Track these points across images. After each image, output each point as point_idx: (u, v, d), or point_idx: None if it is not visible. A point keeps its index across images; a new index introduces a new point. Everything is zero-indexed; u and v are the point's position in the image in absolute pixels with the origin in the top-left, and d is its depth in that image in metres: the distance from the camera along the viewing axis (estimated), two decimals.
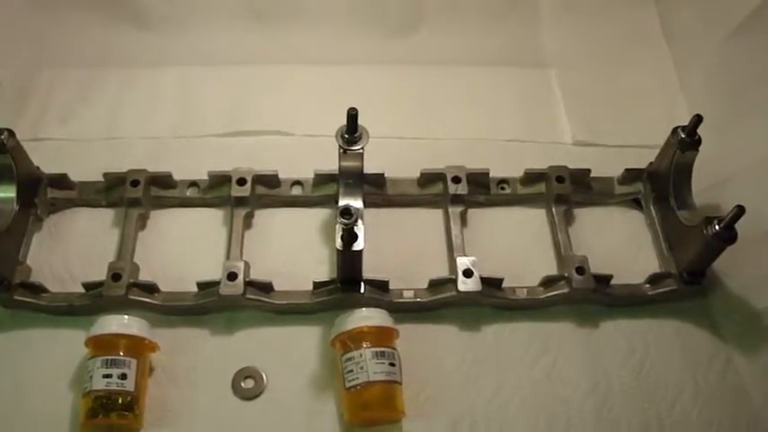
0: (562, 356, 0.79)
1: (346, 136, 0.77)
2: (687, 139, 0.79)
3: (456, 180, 0.85)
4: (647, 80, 1.01)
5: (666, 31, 1.04)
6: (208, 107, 0.98)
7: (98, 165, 0.90)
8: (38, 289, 0.80)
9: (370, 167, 0.84)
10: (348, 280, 0.78)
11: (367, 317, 0.75)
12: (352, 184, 0.81)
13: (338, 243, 0.71)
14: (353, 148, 0.77)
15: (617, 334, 0.81)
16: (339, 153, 0.79)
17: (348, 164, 0.80)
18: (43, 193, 0.86)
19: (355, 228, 0.70)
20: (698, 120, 0.77)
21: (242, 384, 0.77)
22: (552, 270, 0.84)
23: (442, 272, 0.83)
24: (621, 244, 0.87)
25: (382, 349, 0.73)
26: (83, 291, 0.80)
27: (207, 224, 0.87)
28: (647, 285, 0.81)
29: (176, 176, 0.88)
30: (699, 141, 0.79)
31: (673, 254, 0.82)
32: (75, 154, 0.93)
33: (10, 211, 0.80)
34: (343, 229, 0.70)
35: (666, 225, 0.84)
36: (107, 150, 0.94)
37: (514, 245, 0.86)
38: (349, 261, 0.74)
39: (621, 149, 0.94)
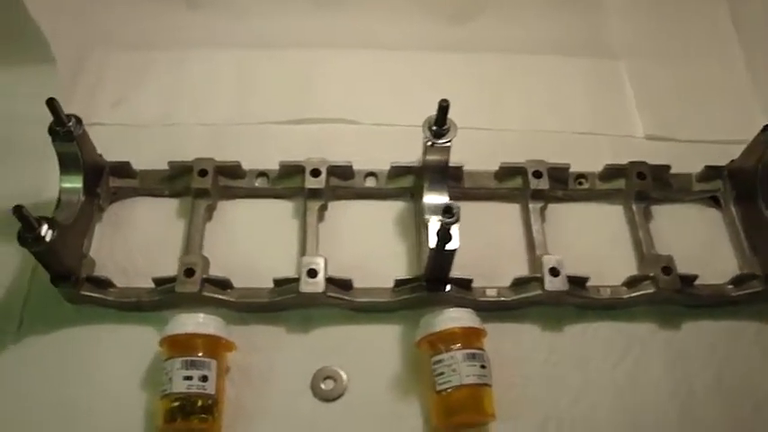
0: (644, 358, 0.78)
1: (434, 128, 0.74)
2: None
3: (537, 174, 0.83)
4: (716, 74, 0.99)
5: (737, 23, 1.02)
6: (268, 93, 0.94)
7: (154, 152, 0.86)
8: (105, 283, 0.76)
9: None
10: (434, 279, 0.75)
11: (457, 317, 0.72)
12: (437, 178, 0.78)
13: (432, 242, 0.69)
14: (441, 141, 0.75)
15: (698, 336, 0.79)
16: (425, 145, 0.76)
17: (434, 157, 0.77)
18: (105, 182, 0.82)
19: (452, 227, 0.67)
20: None
21: (321, 385, 0.74)
22: (632, 268, 0.82)
23: (521, 268, 0.81)
24: (699, 242, 0.85)
25: (473, 351, 0.71)
26: (149, 285, 0.76)
27: (277, 216, 0.84)
28: (731, 286, 0.80)
29: (239, 162, 0.84)
30: None
31: (757, 255, 0.81)
32: (130, 140, 0.89)
33: (76, 202, 0.76)
34: (442, 228, 0.67)
35: (750, 225, 0.83)
36: (163, 137, 0.90)
37: (593, 242, 0.84)
38: (441, 260, 0.72)
39: (693, 144, 0.92)
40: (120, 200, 0.84)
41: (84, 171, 0.76)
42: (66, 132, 0.73)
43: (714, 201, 0.87)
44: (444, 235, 0.68)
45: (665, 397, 0.76)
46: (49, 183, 0.84)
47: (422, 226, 0.78)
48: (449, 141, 0.75)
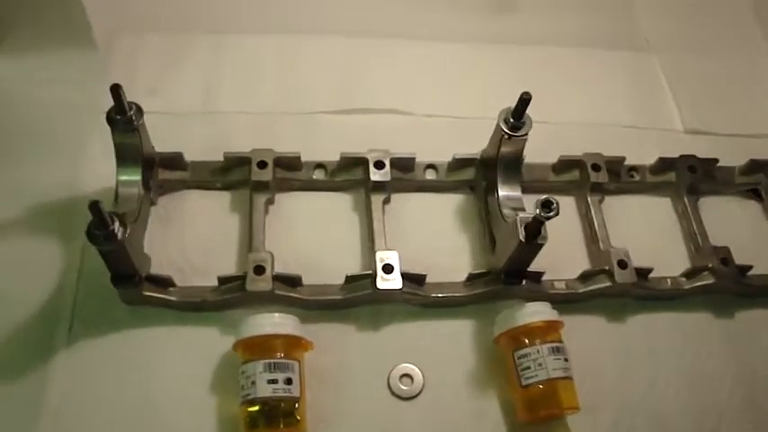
0: (704, 347, 0.79)
1: (512, 120, 0.73)
2: None
3: (596, 167, 0.83)
4: (746, 68, 1.02)
5: (759, 18, 1.05)
6: (314, 81, 0.90)
7: (195, 141, 0.82)
8: (166, 282, 0.71)
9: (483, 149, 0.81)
10: (513, 272, 0.74)
11: (539, 311, 0.72)
12: (511, 170, 0.77)
13: (521, 235, 0.68)
14: (518, 134, 0.74)
15: (752, 323, 0.82)
16: (501, 138, 0.75)
17: (509, 149, 0.76)
18: (155, 175, 0.77)
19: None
20: None
21: (399, 384, 0.72)
22: (683, 259, 0.84)
23: (582, 260, 0.82)
24: (744, 234, 0.87)
25: (558, 345, 0.71)
26: (206, 283, 0.73)
27: (336, 209, 0.81)
28: None
29: (299, 153, 0.80)
30: None
31: None
32: (169, 129, 0.81)
33: (136, 196, 0.71)
34: (535, 221, 0.66)
35: None
36: (205, 126, 0.85)
37: (645, 233, 0.85)
38: (527, 254, 0.71)
39: (731, 138, 0.94)
40: (167, 193, 0.79)
41: (144, 163, 0.71)
42: (127, 121, 0.69)
43: (755, 193, 0.90)
44: (536, 228, 0.67)
45: (730, 384, 0.77)
46: (83, 173, 0.80)
47: (496, 218, 0.77)
48: (525, 134, 0.74)
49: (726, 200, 0.90)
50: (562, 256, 0.81)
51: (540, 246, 0.69)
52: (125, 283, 0.69)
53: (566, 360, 0.70)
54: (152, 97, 0.85)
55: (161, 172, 0.78)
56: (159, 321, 0.72)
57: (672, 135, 0.94)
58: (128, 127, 0.69)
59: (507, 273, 0.74)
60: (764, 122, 0.90)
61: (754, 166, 0.89)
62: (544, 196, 0.65)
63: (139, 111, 0.70)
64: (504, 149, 0.76)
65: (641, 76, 1.00)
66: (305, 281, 0.74)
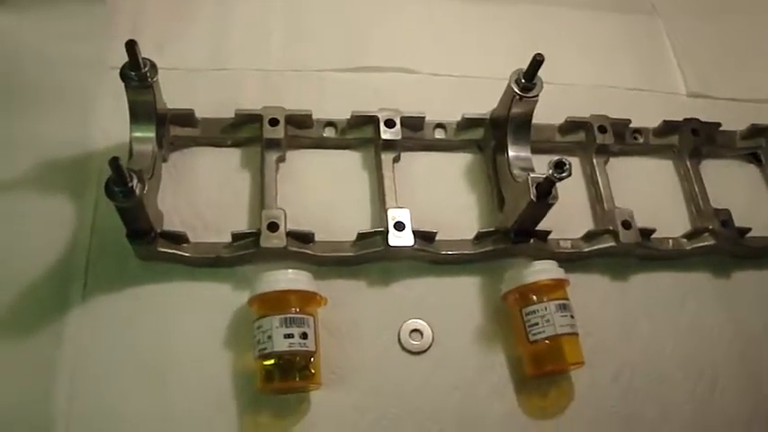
0: (703, 306, 0.82)
1: (523, 81, 0.74)
2: None
3: (602, 129, 0.84)
4: (753, 33, 1.03)
5: None
6: (322, 39, 0.90)
7: (206, 98, 0.82)
8: (180, 238, 0.72)
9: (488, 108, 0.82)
10: (521, 231, 0.76)
11: (547, 269, 0.73)
12: (521, 131, 0.78)
13: (533, 194, 0.69)
14: (529, 95, 0.74)
15: (748, 283, 0.84)
16: (513, 99, 0.75)
17: (520, 110, 0.77)
18: (167, 132, 0.76)
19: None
20: None
21: (409, 338, 0.74)
22: (683, 220, 0.86)
23: (586, 220, 0.84)
24: (743, 196, 0.89)
25: (564, 302, 0.72)
26: (219, 239, 0.73)
27: (347, 167, 0.82)
28: None
29: (311, 111, 0.80)
30: None
31: None
32: (177, 86, 0.80)
33: (150, 153, 0.71)
34: (548, 181, 0.67)
35: None
36: (213, 82, 0.85)
37: (647, 195, 0.86)
38: (537, 213, 0.72)
39: (733, 102, 0.96)
40: (178, 150, 0.79)
41: (157, 120, 0.71)
42: (141, 78, 0.68)
43: (754, 157, 0.92)
44: (548, 188, 0.68)
45: (726, 341, 0.80)
46: (93, 129, 0.79)
47: (506, 177, 0.78)
48: (536, 96, 0.75)
49: (726, 163, 0.92)
50: (567, 215, 0.82)
51: (551, 205, 0.70)
52: (140, 239, 0.69)
53: (572, 317, 0.72)
54: (159, 53, 0.83)
55: (171, 129, 0.77)
56: (173, 277, 0.73)
57: (675, 98, 0.96)
58: (142, 84, 0.69)
59: (516, 231, 0.76)
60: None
61: (755, 131, 0.90)
62: (557, 157, 0.66)
63: (154, 67, 0.69)
64: (514, 110, 0.77)
65: (647, 39, 1.00)
66: (316, 238, 0.75)
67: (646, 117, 0.90)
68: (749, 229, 0.83)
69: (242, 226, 0.76)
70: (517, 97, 0.75)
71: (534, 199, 0.69)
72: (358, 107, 0.82)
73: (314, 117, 0.81)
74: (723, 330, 0.81)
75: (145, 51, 0.82)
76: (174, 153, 0.79)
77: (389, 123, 0.80)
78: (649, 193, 0.87)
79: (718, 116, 0.91)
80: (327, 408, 0.70)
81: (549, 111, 0.85)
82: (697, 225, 0.84)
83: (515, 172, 0.76)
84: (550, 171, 0.66)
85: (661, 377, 0.77)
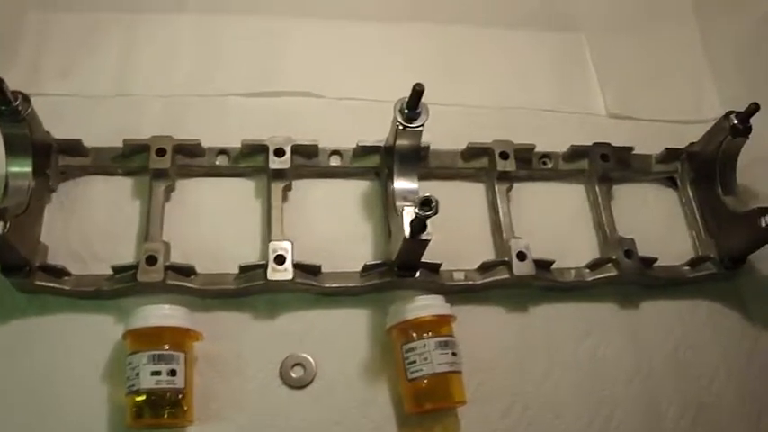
0: (606, 338, 0.80)
1: (407, 111, 0.73)
2: (740, 126, 0.79)
3: (504, 156, 0.82)
4: (675, 54, 1.00)
5: (695, 5, 1.03)
6: (230, 63, 0.89)
7: (108, 125, 0.82)
8: (60, 272, 0.72)
9: None
10: (405, 265, 0.74)
11: (428, 305, 0.72)
12: (408, 162, 0.76)
13: (407, 232, 0.68)
14: (413, 125, 0.73)
15: (655, 315, 0.82)
16: (396, 129, 0.74)
17: (405, 142, 0.75)
18: (54, 162, 0.76)
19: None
20: (755, 108, 0.77)
21: (291, 372, 0.73)
22: (593, 248, 0.84)
23: (488, 250, 0.82)
24: (656, 223, 0.87)
25: (445, 339, 0.71)
26: (107, 271, 0.73)
27: (238, 196, 0.81)
28: (687, 268, 0.83)
29: (200, 141, 0.80)
30: (750, 129, 0.79)
31: (714, 238, 0.83)
32: (81, 113, 0.83)
33: (27, 188, 0.71)
34: (418, 220, 0.66)
35: (707, 208, 0.85)
36: (118, 109, 0.84)
37: (556, 222, 0.85)
38: (414, 249, 0.71)
39: (652, 124, 0.93)
40: (70, 179, 0.79)
41: (34, 152, 0.71)
42: (12, 111, 0.68)
43: (671, 181, 0.89)
44: (420, 226, 0.67)
45: (627, 375, 0.78)
46: None
47: (391, 209, 0.77)
48: (421, 126, 0.73)
49: (643, 188, 0.89)
50: (468, 244, 0.82)
51: (425, 242, 0.69)
52: (16, 273, 0.70)
53: (453, 354, 0.71)
54: (63, 79, 0.85)
55: (61, 158, 0.77)
56: (57, 309, 0.73)
57: (594, 120, 0.93)
58: (14, 117, 0.68)
59: (400, 265, 0.74)
60: (691, 108, 0.89)
61: (671, 155, 0.88)
62: (425, 194, 0.65)
63: (27, 100, 0.69)
64: (399, 141, 0.75)
65: (568, 58, 0.98)
66: (204, 269, 0.75)
67: (563, 139, 0.87)
68: (655, 260, 0.81)
69: (129, 257, 0.76)
70: (401, 127, 0.73)
71: (408, 236, 0.68)
72: (260, 133, 0.81)
73: (210, 144, 0.80)
74: (624, 364, 0.79)
75: (49, 77, 0.84)
76: (67, 182, 0.79)
77: (279, 152, 0.78)
78: (558, 220, 0.85)
79: (638, 138, 0.89)
80: None
81: (460, 134, 0.85)
82: (604, 254, 0.82)
83: (398, 204, 0.74)
84: (416, 209, 0.64)
85: (555, 412, 0.76)
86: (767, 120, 0.83)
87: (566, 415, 0.76)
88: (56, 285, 0.72)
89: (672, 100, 0.96)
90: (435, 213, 0.65)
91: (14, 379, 0.70)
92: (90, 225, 0.77)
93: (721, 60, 0.98)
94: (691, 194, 0.87)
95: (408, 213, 0.67)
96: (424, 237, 0.68)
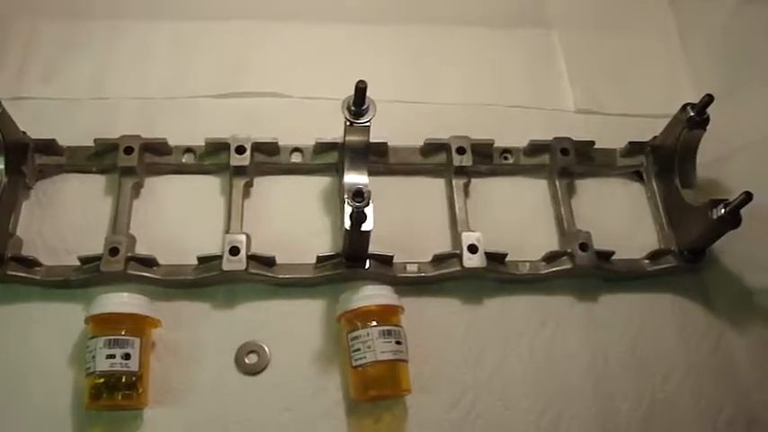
0: (561, 330, 0.80)
1: (353, 108, 0.75)
2: (696, 118, 0.78)
3: (460, 151, 0.84)
4: (650, 47, 0.99)
5: None
6: (201, 66, 0.93)
7: (85, 126, 0.86)
8: (31, 263, 0.77)
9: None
10: (354, 256, 0.77)
11: (373, 295, 0.74)
12: (357, 157, 0.78)
13: (347, 223, 0.70)
14: (360, 121, 0.75)
15: (615, 308, 0.82)
16: (345, 126, 0.76)
17: (354, 138, 0.78)
18: (30, 160, 0.82)
19: (365, 208, 0.68)
20: (709, 99, 0.77)
21: (245, 359, 0.76)
22: (553, 242, 0.84)
23: (444, 244, 0.83)
24: (621, 217, 0.87)
25: (389, 328, 0.73)
26: (78, 263, 0.78)
27: (204, 192, 0.85)
28: (647, 261, 0.82)
29: (170, 140, 0.84)
30: (707, 120, 0.79)
31: (674, 231, 0.83)
32: (60, 115, 0.88)
33: None
34: (353, 211, 0.68)
35: (668, 201, 0.84)
36: (94, 111, 0.89)
37: (516, 216, 0.86)
38: (357, 240, 0.73)
39: (623, 118, 0.93)
40: (47, 177, 0.84)
41: (6, 151, 0.76)
42: None
43: (638, 175, 0.89)
44: (358, 217, 0.69)
45: (581, 369, 0.78)
46: None
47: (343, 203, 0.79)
48: (368, 121, 0.75)
49: (609, 182, 0.89)
50: (427, 238, 0.84)
51: (366, 233, 0.71)
52: None
53: (398, 343, 0.72)
54: (45, 83, 0.90)
55: (38, 157, 0.83)
56: (29, 298, 0.78)
57: (562, 115, 0.93)
58: None
59: (348, 256, 0.77)
60: (663, 103, 0.88)
61: (635, 148, 0.87)
62: (358, 186, 0.67)
63: None
64: (348, 137, 0.78)
65: (539, 54, 0.98)
66: (167, 261, 0.78)
67: (531, 135, 0.88)
68: (612, 253, 0.81)
69: (100, 250, 0.80)
70: (348, 123, 0.75)
71: (348, 228, 0.70)
72: (231, 132, 0.84)
73: (176, 143, 0.84)
74: (579, 357, 0.79)
75: (32, 82, 0.89)
76: (44, 180, 0.84)
77: (239, 150, 0.82)
78: (518, 214, 0.86)
79: (606, 132, 0.89)
80: (160, 425, 0.73)
81: (425, 133, 0.87)
82: (561, 248, 0.82)
83: (345, 197, 0.76)
84: (348, 199, 0.67)
85: (506, 404, 0.76)
86: (736, 111, 0.83)
87: (516, 407, 0.76)
88: (26, 275, 0.77)
89: (645, 94, 0.95)
90: (367, 204, 0.67)
91: None
92: (64, 220, 0.82)
93: (698, 53, 0.97)
94: (656, 188, 0.86)
95: (348, 206, 0.70)
96: (364, 228, 0.70)
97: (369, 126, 0.76)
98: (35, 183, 0.83)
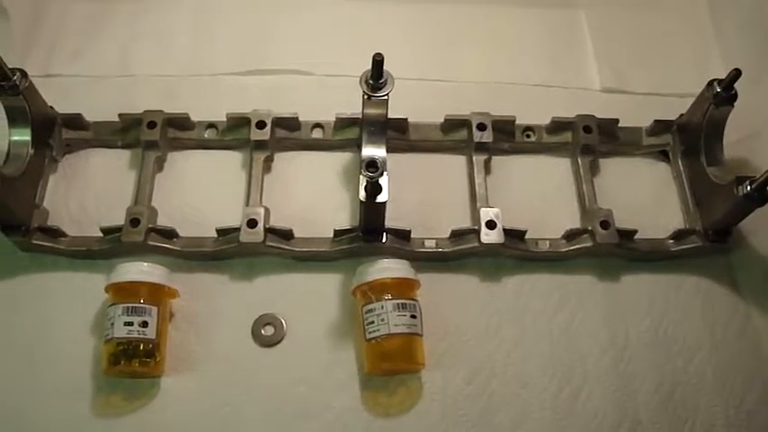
0: (582, 310, 0.79)
1: (371, 82, 0.74)
2: (723, 94, 0.76)
3: (481, 127, 0.83)
4: (679, 25, 0.97)
5: None
6: (224, 43, 0.94)
7: (111, 103, 0.88)
8: (56, 233, 0.79)
9: (390, 110, 0.81)
10: (370, 230, 0.76)
11: (389, 268, 0.74)
12: (376, 131, 0.78)
13: (362, 194, 0.70)
14: (378, 94, 0.75)
15: (638, 288, 0.80)
16: (363, 99, 0.76)
17: (372, 111, 0.78)
18: (57, 134, 0.83)
19: (380, 179, 0.68)
20: (736, 74, 0.75)
21: (262, 331, 0.77)
22: (575, 221, 0.83)
23: (464, 220, 0.83)
24: (646, 196, 0.85)
25: (404, 301, 0.73)
26: (101, 234, 0.79)
27: (225, 167, 0.85)
28: (671, 241, 0.80)
29: (192, 116, 0.85)
30: (735, 96, 0.77)
31: (699, 210, 0.81)
32: (88, 92, 0.90)
33: (25, 155, 0.78)
34: (368, 182, 0.68)
35: (694, 180, 0.82)
36: (120, 88, 0.91)
37: (538, 194, 0.85)
38: (372, 212, 0.73)
39: (649, 97, 0.92)
40: (74, 151, 0.86)
41: (33, 124, 0.78)
42: (11, 86, 0.75)
43: (664, 155, 0.87)
44: (373, 188, 0.69)
45: (600, 349, 0.77)
46: None
47: None
48: (386, 95, 0.75)
49: (633, 161, 0.88)
50: (448, 214, 0.83)
51: (381, 204, 0.71)
52: (14, 232, 0.77)
53: (413, 317, 0.72)
54: (74, 61, 0.92)
55: (65, 131, 0.85)
56: (54, 267, 0.80)
57: (587, 94, 0.92)
58: (13, 91, 0.75)
59: (365, 230, 0.77)
60: (690, 82, 0.86)
61: (661, 127, 0.85)
62: (371, 156, 0.67)
63: (24, 76, 0.76)
64: (366, 110, 0.78)
65: (565, 33, 0.97)
66: (187, 233, 0.80)
67: (555, 114, 0.86)
68: (635, 231, 0.79)
69: (122, 222, 0.81)
70: (366, 97, 0.75)
71: (363, 199, 0.70)
72: (249, 109, 0.85)
73: (199, 119, 0.85)
74: (599, 336, 0.78)
75: (63, 60, 0.91)
76: (72, 154, 0.86)
77: (260, 125, 0.83)
78: (541, 192, 0.85)
79: (632, 111, 0.88)
80: (176, 393, 0.74)
81: (448, 110, 0.86)
82: (582, 226, 0.81)
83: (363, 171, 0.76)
84: (362, 170, 0.67)
85: (522, 382, 0.75)
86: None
87: (533, 385, 0.75)
88: (52, 245, 0.78)
89: (673, 73, 0.93)
90: (381, 175, 0.67)
91: (14, 329, 0.77)
92: (89, 193, 0.84)
93: (727, 31, 0.94)
94: (681, 167, 0.84)
95: (362, 177, 0.70)
96: (379, 199, 0.70)
97: (386, 99, 0.76)
98: (62, 156, 0.85)
